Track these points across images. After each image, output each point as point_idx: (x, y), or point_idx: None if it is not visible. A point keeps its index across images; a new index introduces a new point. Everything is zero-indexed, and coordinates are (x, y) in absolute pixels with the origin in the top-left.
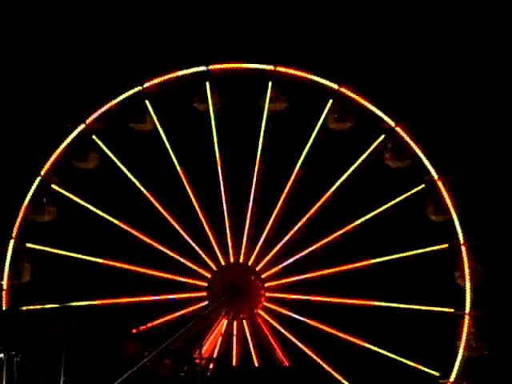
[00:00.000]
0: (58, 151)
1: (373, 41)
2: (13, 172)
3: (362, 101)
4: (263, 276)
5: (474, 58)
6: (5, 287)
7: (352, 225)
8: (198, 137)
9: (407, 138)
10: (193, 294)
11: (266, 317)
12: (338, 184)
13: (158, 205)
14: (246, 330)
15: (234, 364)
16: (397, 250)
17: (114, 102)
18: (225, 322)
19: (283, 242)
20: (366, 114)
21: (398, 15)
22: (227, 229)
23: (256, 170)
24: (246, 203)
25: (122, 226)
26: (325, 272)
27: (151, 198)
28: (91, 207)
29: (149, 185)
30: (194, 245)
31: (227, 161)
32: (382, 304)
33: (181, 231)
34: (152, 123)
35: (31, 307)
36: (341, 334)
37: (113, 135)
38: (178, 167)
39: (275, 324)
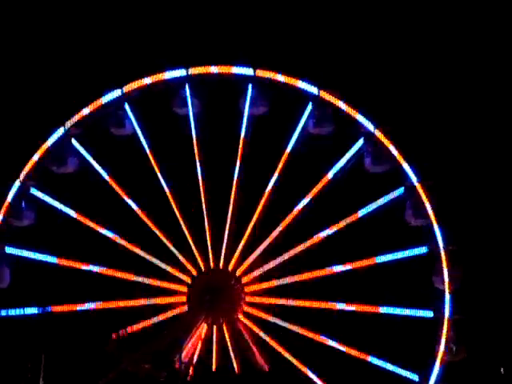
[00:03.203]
0: (36, 156)
1: (353, 46)
2: None
3: (342, 105)
4: (243, 281)
5: (455, 65)
6: None
7: (331, 229)
8: (177, 141)
9: (387, 143)
10: (173, 299)
11: (246, 321)
12: (317, 189)
13: (138, 210)
14: (226, 335)
15: (213, 368)
16: (376, 254)
17: (94, 106)
18: (204, 326)
19: (263, 247)
20: (346, 118)
21: (378, 21)
22: (207, 234)
23: (236, 175)
24: (226, 209)
25: (102, 231)
26: (304, 276)
27: (131, 204)
28: (70, 212)
29: (129, 190)
30: (174, 250)
31: (207, 165)
32: (361, 308)
33: (161, 236)
34: (131, 127)
35: (10, 312)
36: (320, 339)
37: (92, 139)
38: (157, 172)
39: (255, 328)
